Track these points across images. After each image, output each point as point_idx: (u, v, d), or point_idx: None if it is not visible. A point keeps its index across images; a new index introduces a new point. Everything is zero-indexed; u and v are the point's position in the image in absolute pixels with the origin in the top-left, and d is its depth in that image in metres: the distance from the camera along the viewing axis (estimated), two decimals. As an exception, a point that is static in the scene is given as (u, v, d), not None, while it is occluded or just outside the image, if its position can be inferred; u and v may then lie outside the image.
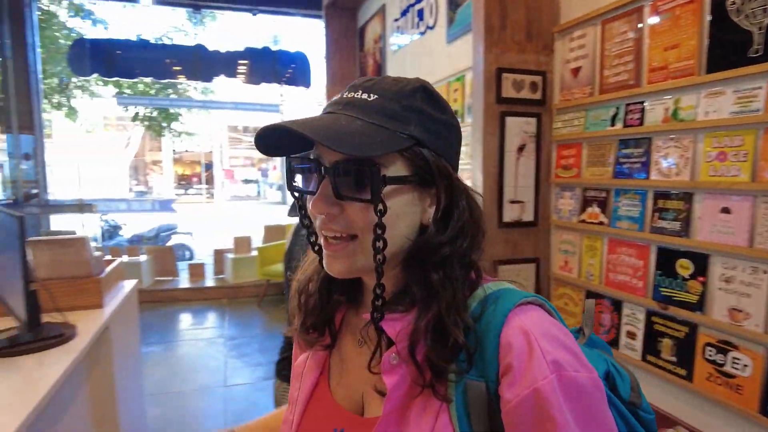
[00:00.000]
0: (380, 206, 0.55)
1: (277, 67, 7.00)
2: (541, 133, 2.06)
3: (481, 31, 2.02)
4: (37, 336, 1.60)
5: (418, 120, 0.58)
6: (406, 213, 0.59)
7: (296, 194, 0.64)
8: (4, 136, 6.07)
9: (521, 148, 2.04)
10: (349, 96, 0.60)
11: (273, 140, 0.59)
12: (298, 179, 0.63)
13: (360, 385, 0.65)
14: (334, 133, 0.54)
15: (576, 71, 1.96)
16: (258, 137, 0.57)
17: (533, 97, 2.05)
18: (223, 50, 6.91)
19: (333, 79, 4.87)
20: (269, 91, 14.23)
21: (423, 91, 0.60)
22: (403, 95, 0.58)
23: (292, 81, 7.09)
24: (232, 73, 7.02)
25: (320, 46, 5.06)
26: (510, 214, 2.04)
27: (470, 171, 2.12)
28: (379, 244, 0.56)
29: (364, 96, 0.58)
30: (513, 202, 2.04)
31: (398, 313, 0.59)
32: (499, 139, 2.01)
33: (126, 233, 9.23)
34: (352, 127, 0.55)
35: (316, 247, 0.64)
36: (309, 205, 0.60)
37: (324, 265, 0.62)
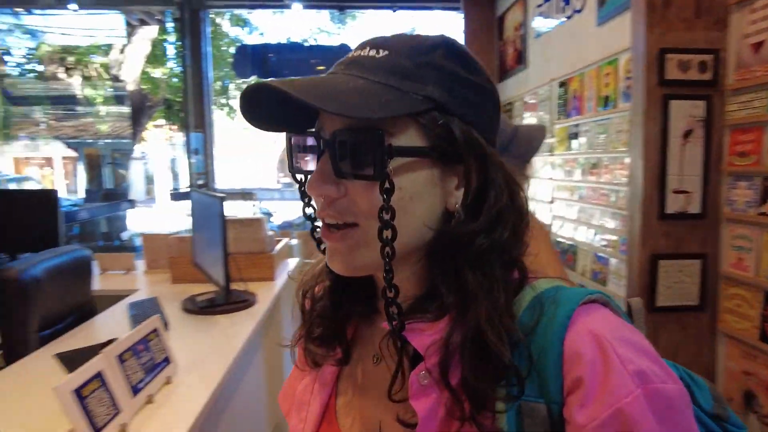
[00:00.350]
0: (387, 184, 0.43)
1: (414, 61, 7.18)
2: (712, 117, 1.88)
3: (642, 10, 1.90)
4: (228, 300, 1.90)
5: (438, 79, 0.46)
6: (422, 194, 0.46)
7: (297, 177, 0.53)
8: (177, 134, 7.15)
9: (687, 134, 1.89)
10: (354, 54, 0.49)
11: (264, 107, 0.48)
12: (302, 161, 0.52)
13: (376, 412, 0.52)
14: (324, 90, 0.43)
15: (757, 46, 1.75)
16: (244, 109, 0.47)
17: (702, 77, 1.87)
18: (364, 48, 7.26)
19: (471, 70, 4.87)
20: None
21: (446, 46, 0.48)
22: (419, 51, 0.47)
23: (428, 74, 7.21)
24: (371, 70, 7.35)
25: (457, 38, 5.09)
26: (674, 204, 1.90)
27: (629, 159, 2.01)
28: (387, 233, 0.44)
29: (372, 52, 0.47)
30: (677, 192, 1.89)
31: (426, 322, 0.47)
32: (662, 125, 1.88)
33: (276, 220, 10.21)
34: (350, 86, 0.44)
35: (323, 246, 0.52)
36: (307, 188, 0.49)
37: (326, 261, 0.51)
